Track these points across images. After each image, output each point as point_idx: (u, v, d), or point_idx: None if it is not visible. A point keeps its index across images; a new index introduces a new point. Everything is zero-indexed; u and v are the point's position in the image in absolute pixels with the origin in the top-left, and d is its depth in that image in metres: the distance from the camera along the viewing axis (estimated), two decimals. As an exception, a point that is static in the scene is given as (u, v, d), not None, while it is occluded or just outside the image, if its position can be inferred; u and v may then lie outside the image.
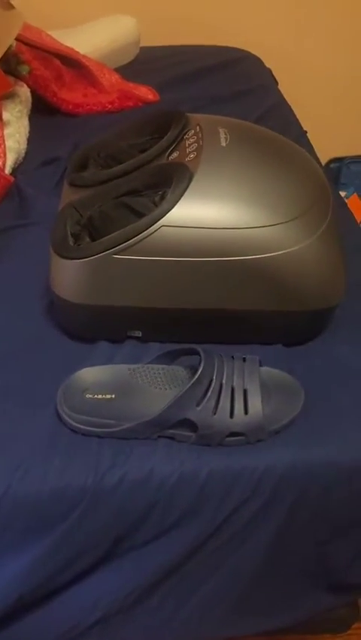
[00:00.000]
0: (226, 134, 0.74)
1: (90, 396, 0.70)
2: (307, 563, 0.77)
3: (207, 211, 0.67)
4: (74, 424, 0.68)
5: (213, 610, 0.79)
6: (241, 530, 0.70)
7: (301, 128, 1.27)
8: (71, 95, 1.25)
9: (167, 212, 0.67)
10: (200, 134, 0.74)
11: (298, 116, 1.45)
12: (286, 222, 0.68)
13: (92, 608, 0.73)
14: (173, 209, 0.67)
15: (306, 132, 1.27)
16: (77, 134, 1.17)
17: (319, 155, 1.82)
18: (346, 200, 1.76)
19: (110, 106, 1.26)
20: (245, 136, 0.76)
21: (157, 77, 1.37)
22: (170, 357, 0.73)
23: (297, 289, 0.71)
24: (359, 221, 1.74)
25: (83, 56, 1.30)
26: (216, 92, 1.32)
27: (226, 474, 0.66)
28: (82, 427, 0.67)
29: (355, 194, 1.77)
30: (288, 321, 0.74)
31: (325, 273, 0.71)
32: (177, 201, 0.67)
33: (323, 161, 1.85)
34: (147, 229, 0.67)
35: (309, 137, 1.26)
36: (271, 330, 0.76)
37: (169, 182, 0.70)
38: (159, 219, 0.67)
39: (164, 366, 0.72)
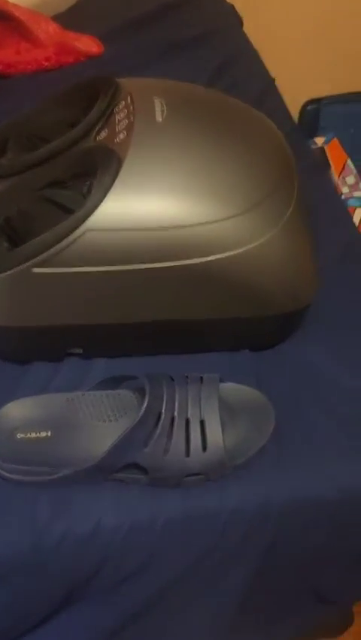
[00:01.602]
0: (162, 106, 0.59)
1: (22, 435, 0.59)
2: (291, 588, 0.69)
3: (140, 207, 0.54)
4: (4, 473, 0.57)
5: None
6: (211, 576, 0.61)
7: (269, 74, 1.11)
8: (0, 53, 1.08)
9: (91, 213, 0.54)
10: (131, 107, 0.60)
11: (268, 56, 1.29)
12: (239, 215, 0.55)
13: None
14: (98, 209, 0.54)
15: (274, 79, 1.11)
16: (8, 101, 1.01)
17: (294, 98, 1.67)
18: (325, 147, 1.61)
19: (46, 63, 1.09)
20: (187, 106, 0.62)
21: (102, 25, 1.19)
22: (114, 382, 0.61)
23: (259, 292, 0.59)
24: (338, 171, 1.60)
25: (14, 5, 1.12)
26: (170, 39, 1.15)
27: (187, 521, 0.56)
28: (13, 476, 0.57)
29: (335, 138, 1.60)
30: (252, 327, 0.63)
31: (291, 269, 0.59)
32: (103, 198, 0.54)
33: (299, 105, 1.69)
34: (68, 235, 0.54)
35: (281, 81, 1.11)
36: (234, 338, 0.64)
37: (95, 171, 0.56)
38: (82, 222, 0.54)
39: (108, 392, 0.61)
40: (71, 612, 0.63)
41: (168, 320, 0.60)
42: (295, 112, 1.70)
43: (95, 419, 0.60)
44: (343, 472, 0.58)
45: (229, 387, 0.61)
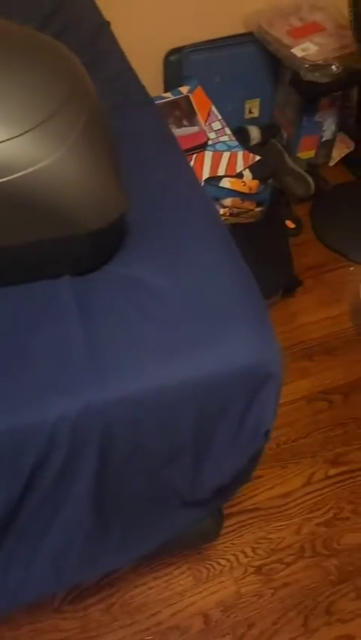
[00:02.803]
0: None
1: None
2: (147, 491, 0.73)
3: None
4: None
5: (66, 556, 0.75)
6: (55, 485, 0.64)
7: (103, 18, 1.12)
8: None
9: None
10: None
11: (125, 6, 1.27)
12: (22, 135, 0.57)
13: None
14: None
15: (109, 23, 1.12)
16: None
17: (156, 49, 1.69)
18: (190, 96, 1.64)
19: None
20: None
21: None
22: None
23: (60, 211, 0.61)
24: (203, 118, 1.63)
25: None
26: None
27: (11, 438, 0.59)
28: None
29: (199, 87, 1.64)
30: (66, 249, 0.65)
31: (90, 186, 0.62)
32: None
33: (162, 56, 1.71)
34: None
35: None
36: (51, 263, 0.66)
37: None
38: None
39: None
40: None
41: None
42: (159, 63, 1.72)
43: None
44: (160, 372, 0.62)
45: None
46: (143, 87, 0.97)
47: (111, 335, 0.63)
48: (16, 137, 0.56)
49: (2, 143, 0.56)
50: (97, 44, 1.02)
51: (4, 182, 0.56)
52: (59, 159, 0.58)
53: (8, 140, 0.56)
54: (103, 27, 1.08)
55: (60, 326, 0.63)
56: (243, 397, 0.65)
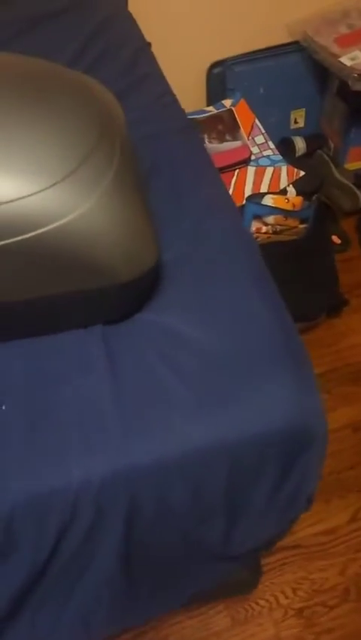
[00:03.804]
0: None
1: None
2: (177, 551, 0.70)
3: None
4: None
5: (94, 614, 0.73)
6: (82, 549, 0.61)
7: (143, 39, 1.09)
8: None
9: None
10: None
11: (166, 22, 1.23)
12: (53, 186, 0.54)
13: None
14: None
15: (149, 44, 1.09)
16: None
17: (199, 62, 1.65)
18: (233, 109, 1.59)
19: None
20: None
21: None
22: None
23: (89, 264, 0.58)
24: (247, 132, 1.58)
25: None
26: (37, 9, 1.11)
27: (35, 503, 0.56)
28: None
29: (242, 100, 1.59)
30: (96, 299, 0.62)
31: (120, 236, 0.58)
32: None
33: (204, 69, 1.67)
34: None
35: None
36: (84, 314, 0.64)
37: None
38: None
39: None
40: None
41: (9, 302, 0.59)
42: (202, 76, 1.68)
43: None
44: (191, 433, 0.58)
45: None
46: (182, 112, 0.94)
47: (141, 393, 0.60)
48: (45, 189, 0.54)
49: (32, 196, 0.53)
50: (136, 67, 0.99)
51: (33, 235, 0.54)
52: (90, 210, 0.55)
53: (37, 192, 0.53)
54: (143, 49, 1.05)
55: (88, 382, 0.60)
56: (281, 460, 0.60)
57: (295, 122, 1.79)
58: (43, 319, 0.63)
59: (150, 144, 0.83)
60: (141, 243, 0.60)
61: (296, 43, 1.62)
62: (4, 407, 0.59)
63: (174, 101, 0.96)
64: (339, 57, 1.51)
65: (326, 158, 1.73)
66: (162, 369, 0.61)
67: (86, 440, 0.56)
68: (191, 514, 0.63)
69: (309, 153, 1.76)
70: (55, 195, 0.54)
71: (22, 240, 0.54)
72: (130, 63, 1.00)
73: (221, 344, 0.62)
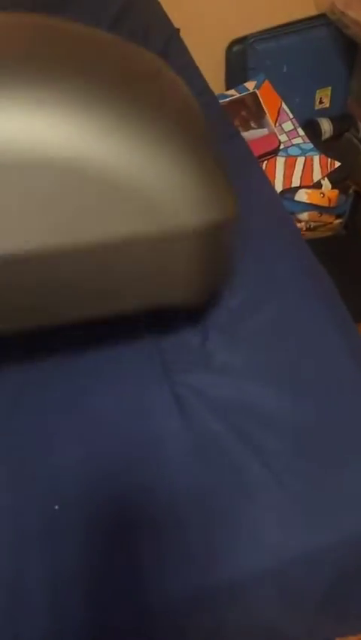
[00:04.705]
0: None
1: None
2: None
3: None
4: None
5: None
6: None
7: (172, 25, 0.96)
8: None
9: None
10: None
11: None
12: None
13: None
14: None
15: (179, 30, 0.96)
16: None
17: (218, 41, 1.51)
18: (257, 92, 1.46)
19: None
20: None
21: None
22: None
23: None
24: (273, 118, 1.45)
25: None
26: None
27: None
28: None
29: (266, 81, 1.45)
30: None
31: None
32: None
33: (223, 48, 1.53)
34: None
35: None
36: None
37: None
38: None
39: None
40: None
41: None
42: (220, 55, 1.54)
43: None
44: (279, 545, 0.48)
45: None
46: (224, 114, 0.82)
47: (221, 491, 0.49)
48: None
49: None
50: (168, 56, 0.86)
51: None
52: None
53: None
54: (173, 37, 0.92)
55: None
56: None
57: (321, 102, 1.66)
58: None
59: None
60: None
61: (323, 16, 1.47)
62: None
63: (214, 99, 0.83)
64: (373, 32, 1.38)
65: (356, 141, 1.60)
66: (243, 455, 0.50)
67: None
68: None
69: (336, 136, 1.63)
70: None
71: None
72: (161, 54, 0.87)
73: (304, 419, 0.52)
